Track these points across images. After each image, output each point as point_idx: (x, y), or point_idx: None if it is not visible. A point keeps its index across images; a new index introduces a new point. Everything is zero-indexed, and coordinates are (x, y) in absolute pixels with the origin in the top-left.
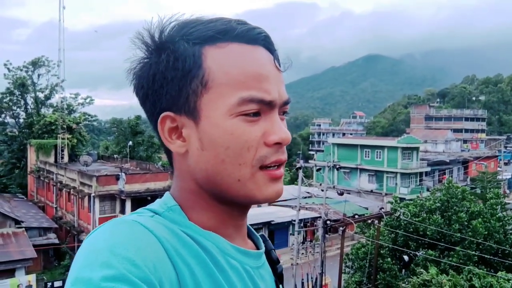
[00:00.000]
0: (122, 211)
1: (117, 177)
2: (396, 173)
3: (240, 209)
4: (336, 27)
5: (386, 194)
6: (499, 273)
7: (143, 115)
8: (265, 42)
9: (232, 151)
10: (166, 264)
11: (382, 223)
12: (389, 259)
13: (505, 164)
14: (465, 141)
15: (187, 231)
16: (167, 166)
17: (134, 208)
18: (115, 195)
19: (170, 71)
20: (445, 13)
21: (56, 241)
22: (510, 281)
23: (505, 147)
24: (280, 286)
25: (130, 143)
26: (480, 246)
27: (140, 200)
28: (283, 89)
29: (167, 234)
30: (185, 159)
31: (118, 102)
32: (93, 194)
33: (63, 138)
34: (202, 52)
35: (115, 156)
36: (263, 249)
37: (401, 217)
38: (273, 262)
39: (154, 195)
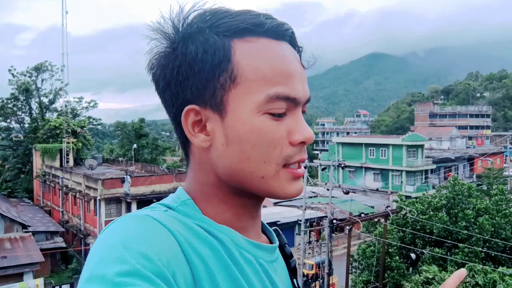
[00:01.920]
0: None
1: (123, 180)
2: (402, 171)
3: (256, 201)
4: (340, 26)
5: (391, 192)
6: (500, 269)
7: (147, 117)
8: (291, 38)
9: (258, 149)
10: (179, 258)
11: (388, 221)
12: (397, 257)
13: (511, 160)
14: (470, 138)
15: (201, 224)
16: (172, 168)
17: None
18: (120, 198)
19: (198, 63)
20: (452, 10)
21: (63, 244)
22: None
23: (511, 143)
24: (294, 280)
25: (135, 146)
26: (487, 244)
27: (146, 203)
28: (307, 87)
29: (181, 228)
30: (207, 153)
31: (122, 105)
32: (98, 198)
33: (68, 142)
34: (231, 45)
35: (120, 159)
36: (277, 243)
37: (407, 215)
38: (287, 257)
39: (160, 198)
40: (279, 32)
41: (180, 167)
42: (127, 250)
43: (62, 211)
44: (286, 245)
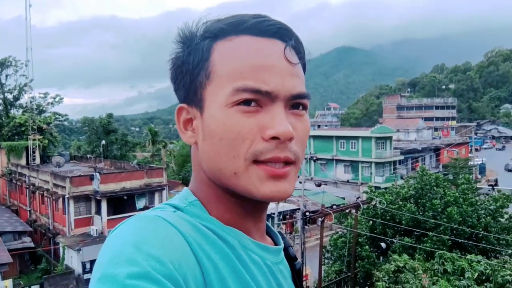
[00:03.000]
0: (98, 212)
1: (91, 177)
2: (371, 162)
3: (253, 204)
4: (311, 19)
5: (361, 184)
6: (468, 256)
7: (115, 112)
8: (279, 33)
9: (225, 142)
10: (190, 260)
11: (359, 212)
12: (367, 247)
13: (476, 150)
14: (436, 129)
15: (210, 225)
16: (142, 164)
17: (110, 208)
18: (90, 196)
19: (185, 65)
20: (418, 3)
21: (32, 244)
22: (481, 263)
23: (476, 134)
24: (298, 282)
25: (103, 142)
26: (454, 231)
27: (116, 200)
28: (293, 82)
29: (191, 230)
30: (196, 150)
31: (89, 101)
32: (67, 196)
33: (34, 139)
34: (212, 46)
35: (88, 156)
36: (282, 245)
37: (377, 205)
38: (291, 259)
39: (131, 194)
40: (261, 28)
41: (151, 162)
42: (139, 251)
43: (29, 210)
44: (290, 247)
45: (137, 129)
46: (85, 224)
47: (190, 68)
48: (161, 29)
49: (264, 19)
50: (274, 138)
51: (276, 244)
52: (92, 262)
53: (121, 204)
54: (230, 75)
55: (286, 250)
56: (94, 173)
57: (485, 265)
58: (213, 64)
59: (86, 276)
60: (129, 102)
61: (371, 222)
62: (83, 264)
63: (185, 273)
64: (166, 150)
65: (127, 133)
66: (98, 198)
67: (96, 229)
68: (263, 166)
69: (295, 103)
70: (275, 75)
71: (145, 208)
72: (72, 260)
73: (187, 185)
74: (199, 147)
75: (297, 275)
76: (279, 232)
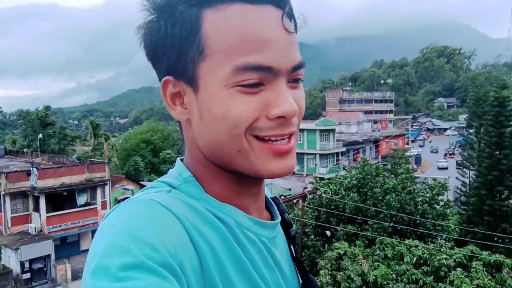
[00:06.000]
0: (36, 209)
1: (28, 173)
2: (315, 154)
3: (250, 180)
4: None
5: (307, 175)
6: (406, 241)
7: (53, 105)
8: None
9: (227, 122)
10: (187, 246)
11: (306, 202)
12: (312, 236)
13: (412, 141)
14: (375, 122)
15: (205, 205)
16: (83, 159)
17: (49, 205)
18: (27, 192)
19: (169, 38)
20: (362, 0)
21: None
22: (419, 247)
23: (412, 126)
24: (292, 249)
25: (40, 135)
26: (394, 218)
27: (56, 196)
28: (293, 52)
29: (186, 211)
30: (190, 128)
31: (24, 92)
32: (2, 192)
33: None
34: (200, 15)
35: (24, 150)
36: (278, 219)
37: (323, 195)
38: (286, 226)
39: (71, 190)
40: None
41: (92, 157)
42: (133, 240)
43: None
44: (286, 213)
45: (76, 122)
46: (22, 222)
47: (176, 42)
48: (103, 18)
49: None
50: (279, 117)
51: (273, 217)
52: (32, 261)
53: (61, 201)
54: (228, 51)
55: (282, 216)
56: (31, 168)
57: (423, 249)
58: (205, 37)
59: (25, 276)
60: (67, 93)
61: (316, 212)
62: (22, 264)
63: (181, 259)
64: (108, 143)
65: (66, 126)
66: (36, 194)
67: (35, 227)
68: (268, 144)
69: (295, 75)
70: (276, 48)
71: (87, 204)
72: (10, 259)
73: (130, 180)
74: (195, 125)
75: (292, 242)
76: (275, 198)
